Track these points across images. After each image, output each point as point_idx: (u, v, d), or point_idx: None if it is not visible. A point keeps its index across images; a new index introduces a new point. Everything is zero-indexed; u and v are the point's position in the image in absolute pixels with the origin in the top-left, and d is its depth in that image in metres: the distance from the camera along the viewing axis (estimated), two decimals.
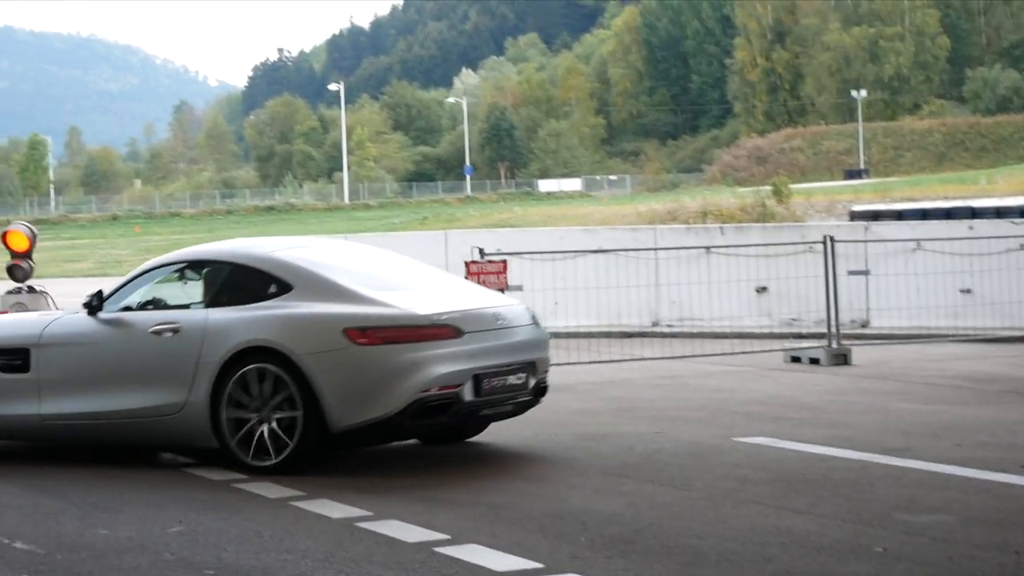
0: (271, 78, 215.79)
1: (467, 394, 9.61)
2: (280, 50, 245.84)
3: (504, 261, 16.90)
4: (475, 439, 10.93)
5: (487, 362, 9.73)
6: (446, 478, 9.31)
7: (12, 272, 20.03)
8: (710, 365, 16.76)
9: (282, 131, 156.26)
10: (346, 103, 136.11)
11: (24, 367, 10.39)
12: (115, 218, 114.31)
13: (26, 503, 8.74)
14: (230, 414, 9.55)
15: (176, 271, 10.51)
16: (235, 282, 10.00)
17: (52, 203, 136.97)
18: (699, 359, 17.40)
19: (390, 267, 10.56)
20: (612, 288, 22.18)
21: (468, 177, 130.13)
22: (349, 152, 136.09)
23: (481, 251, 17.36)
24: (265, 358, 9.43)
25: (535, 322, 10.41)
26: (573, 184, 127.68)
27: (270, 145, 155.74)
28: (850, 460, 9.71)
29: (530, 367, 10.16)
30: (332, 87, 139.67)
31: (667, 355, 17.83)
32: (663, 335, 21.39)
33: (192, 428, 9.69)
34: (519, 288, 18.11)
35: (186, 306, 10.15)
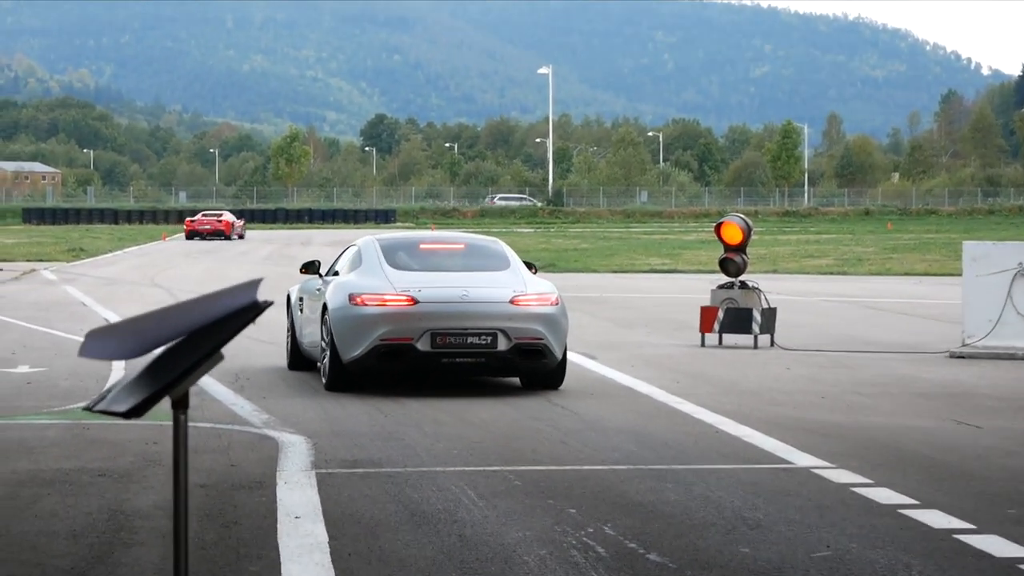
0: None
1: (423, 345, 14.54)
2: None
3: None
4: None
5: (443, 324, 14.55)
6: None
7: (724, 266, 20.62)
8: None
9: None
10: None
11: None
12: (867, 213, 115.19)
13: (677, 512, 8.92)
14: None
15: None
16: (350, 258, 16.10)
17: (805, 195, 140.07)
18: None
19: (453, 258, 15.70)
20: None
21: None
22: None
23: None
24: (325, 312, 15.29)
25: (516, 302, 14.73)
26: None
27: None
28: None
29: (499, 332, 14.61)
30: None
31: None
32: None
33: None
34: None
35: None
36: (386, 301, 14.78)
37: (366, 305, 14.78)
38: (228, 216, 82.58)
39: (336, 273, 16.27)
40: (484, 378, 15.96)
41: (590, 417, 13.29)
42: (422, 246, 16.12)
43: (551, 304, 15.04)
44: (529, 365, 14.93)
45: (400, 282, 14.99)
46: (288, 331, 17.39)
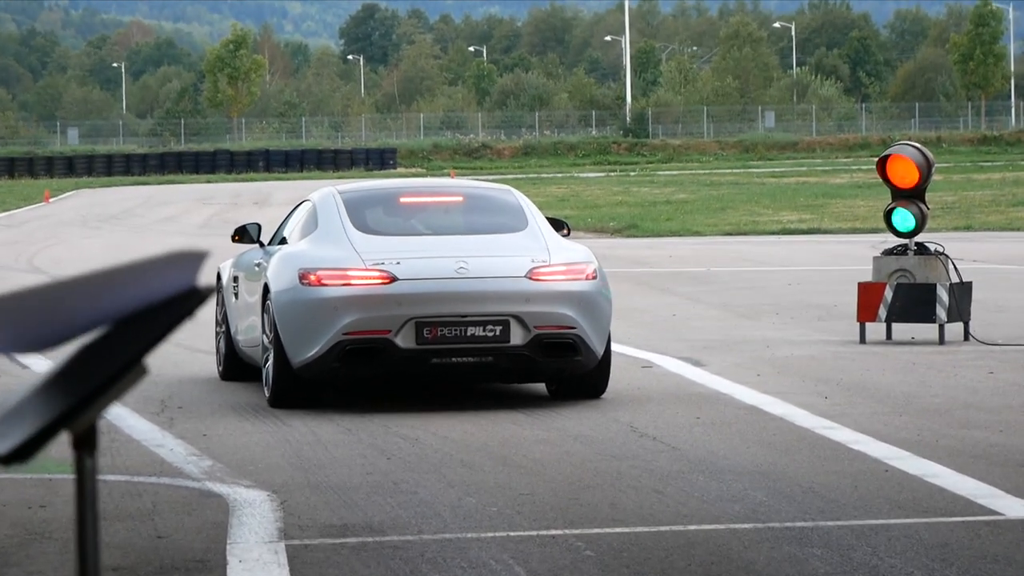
0: None
1: (404, 340, 15.11)
2: None
3: None
4: None
5: (432, 310, 15.18)
6: None
7: (893, 222, 20.51)
8: None
9: None
10: None
11: None
12: None
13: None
14: None
15: None
16: (303, 219, 16.90)
17: (1012, 111, 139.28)
18: None
19: (447, 216, 16.72)
20: None
21: None
22: None
23: None
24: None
25: (536, 276, 15.35)
26: None
27: None
28: None
29: (512, 319, 15.19)
30: None
31: None
32: None
33: None
34: None
35: None
36: (351, 279, 15.48)
37: (323, 285, 15.45)
38: None
39: (284, 241, 16.99)
40: (515, 390, 16.58)
41: (696, 453, 13.35)
42: (403, 200, 17.09)
43: (586, 278, 15.69)
44: (556, 365, 15.68)
45: (371, 252, 15.69)
46: (219, 325, 18.13)
